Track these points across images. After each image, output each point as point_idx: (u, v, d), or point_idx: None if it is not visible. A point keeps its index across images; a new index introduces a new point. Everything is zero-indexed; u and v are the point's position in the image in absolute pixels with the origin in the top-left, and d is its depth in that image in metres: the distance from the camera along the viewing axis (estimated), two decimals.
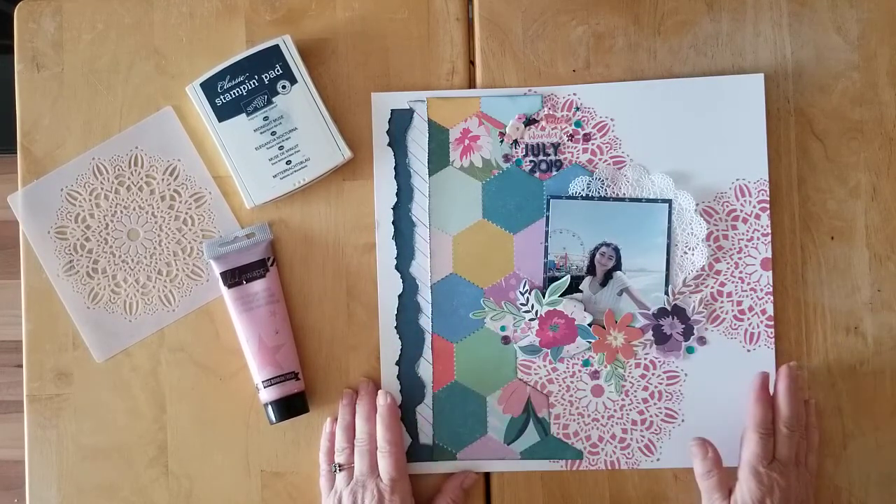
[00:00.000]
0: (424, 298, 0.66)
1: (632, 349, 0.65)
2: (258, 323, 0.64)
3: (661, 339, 0.65)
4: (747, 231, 0.65)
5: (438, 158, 0.67)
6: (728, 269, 0.65)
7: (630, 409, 0.65)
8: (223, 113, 0.65)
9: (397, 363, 0.66)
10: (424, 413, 0.66)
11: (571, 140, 0.66)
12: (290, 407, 0.64)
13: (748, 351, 0.65)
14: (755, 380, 0.62)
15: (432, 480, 0.66)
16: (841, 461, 0.65)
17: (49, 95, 0.68)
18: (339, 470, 0.63)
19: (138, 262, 0.67)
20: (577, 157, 0.66)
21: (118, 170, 0.68)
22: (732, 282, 0.65)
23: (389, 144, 0.67)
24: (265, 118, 0.65)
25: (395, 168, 0.67)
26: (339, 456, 0.64)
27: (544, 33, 0.67)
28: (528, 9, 0.67)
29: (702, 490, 0.62)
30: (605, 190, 0.66)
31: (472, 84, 0.68)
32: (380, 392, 0.64)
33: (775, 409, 0.61)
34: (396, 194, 0.67)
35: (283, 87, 0.65)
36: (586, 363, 0.65)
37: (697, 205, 0.65)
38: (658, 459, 0.65)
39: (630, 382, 0.65)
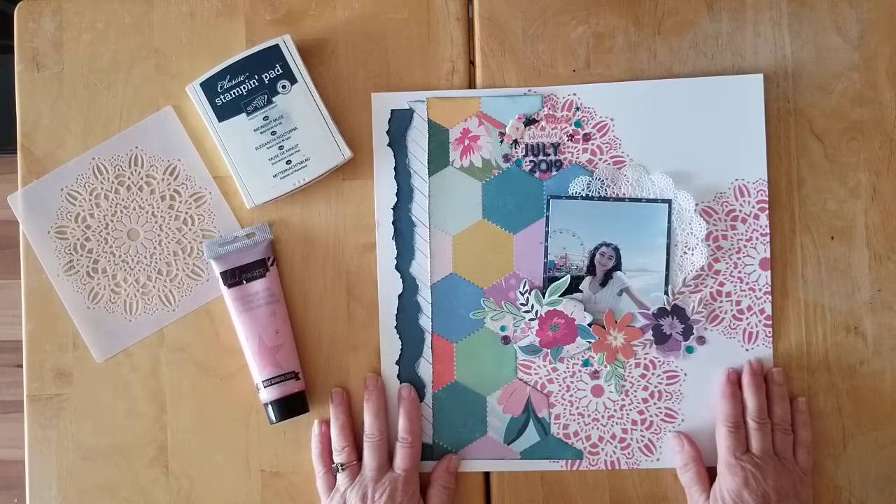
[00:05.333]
0: (424, 298, 0.66)
1: (632, 349, 0.65)
2: (258, 323, 0.64)
3: (661, 338, 0.65)
4: (746, 231, 0.65)
5: (438, 158, 0.67)
6: (727, 268, 0.65)
7: (630, 409, 0.65)
8: (223, 113, 0.65)
9: (397, 363, 0.66)
10: (424, 413, 0.66)
11: (571, 140, 0.66)
12: (290, 407, 0.64)
13: (746, 350, 0.65)
14: (720, 377, 0.64)
15: None
16: (841, 461, 0.65)
17: (49, 95, 0.68)
18: (342, 469, 0.63)
19: (138, 261, 0.67)
20: (577, 157, 0.66)
21: (118, 170, 0.68)
22: (731, 282, 0.65)
23: (389, 144, 0.67)
24: (265, 118, 0.65)
25: (395, 168, 0.67)
26: (339, 455, 0.64)
27: (544, 33, 0.67)
28: (528, 9, 0.67)
29: (683, 485, 0.63)
30: (605, 190, 0.66)
31: (472, 84, 0.68)
32: (402, 385, 0.65)
33: (743, 403, 0.63)
34: (396, 194, 0.67)
35: (283, 86, 0.65)
36: (586, 363, 0.65)
37: (697, 205, 0.65)
38: (658, 459, 0.65)
39: (630, 382, 0.65)
